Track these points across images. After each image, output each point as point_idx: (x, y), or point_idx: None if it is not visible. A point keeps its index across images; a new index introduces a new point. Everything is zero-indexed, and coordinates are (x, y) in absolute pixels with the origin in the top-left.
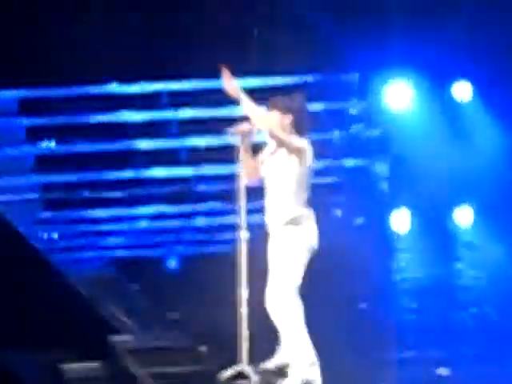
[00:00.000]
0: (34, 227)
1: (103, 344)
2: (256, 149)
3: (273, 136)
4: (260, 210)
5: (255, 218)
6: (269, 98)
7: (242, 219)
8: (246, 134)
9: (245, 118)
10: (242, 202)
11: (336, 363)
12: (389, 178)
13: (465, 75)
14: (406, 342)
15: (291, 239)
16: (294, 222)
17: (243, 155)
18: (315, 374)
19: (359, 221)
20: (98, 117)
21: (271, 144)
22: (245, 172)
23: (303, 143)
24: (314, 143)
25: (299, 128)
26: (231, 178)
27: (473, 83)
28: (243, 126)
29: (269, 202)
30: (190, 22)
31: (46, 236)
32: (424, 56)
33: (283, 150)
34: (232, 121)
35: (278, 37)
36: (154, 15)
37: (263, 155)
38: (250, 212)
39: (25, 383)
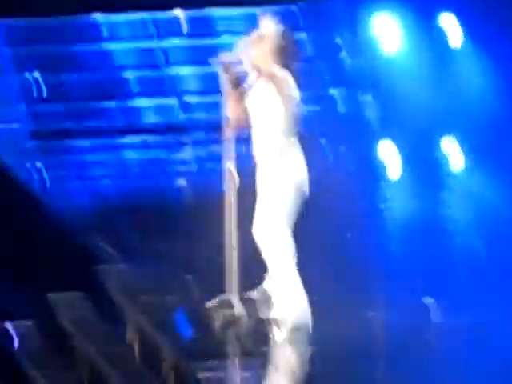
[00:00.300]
0: (19, 156)
1: (91, 274)
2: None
3: (256, 66)
4: (247, 140)
5: (242, 148)
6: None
7: (229, 153)
8: (228, 66)
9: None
10: (228, 138)
11: (325, 291)
12: (374, 107)
13: (451, 7)
14: (392, 271)
15: (278, 170)
16: (280, 153)
17: (229, 91)
18: (301, 306)
19: (343, 150)
20: (83, 47)
21: (253, 79)
22: (231, 113)
23: (285, 73)
24: (300, 73)
25: (285, 59)
26: (218, 107)
27: (459, 16)
28: (226, 55)
29: (254, 133)
30: None
31: (28, 165)
32: None
33: (265, 83)
34: (218, 50)
35: None
36: None
37: (248, 91)
38: (237, 142)
39: (17, 312)
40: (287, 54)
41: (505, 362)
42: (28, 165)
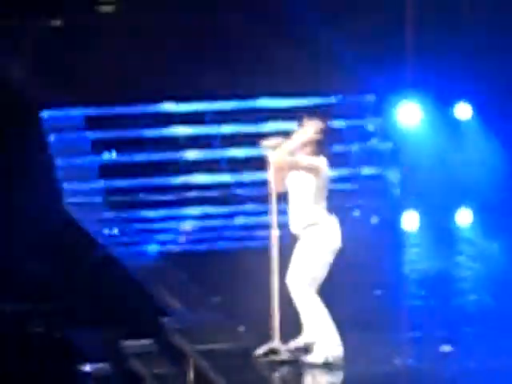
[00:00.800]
0: (99, 225)
1: (155, 324)
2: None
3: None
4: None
5: (285, 218)
6: (304, 117)
7: (273, 219)
8: (274, 148)
9: (275, 134)
10: (274, 206)
11: (355, 342)
12: (400, 183)
13: (465, 97)
14: (415, 323)
15: (309, 240)
16: (312, 225)
17: (273, 166)
18: (336, 351)
19: (374, 220)
20: (152, 131)
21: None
22: (273, 182)
23: (319, 161)
24: (336, 154)
25: (323, 144)
26: (265, 183)
27: (472, 104)
28: (273, 141)
29: (291, 209)
30: (226, 50)
31: (107, 231)
32: (431, 80)
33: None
34: (264, 136)
35: (309, 63)
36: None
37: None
38: (280, 213)
39: (88, 356)
40: (324, 143)
41: None
42: (106, 231)
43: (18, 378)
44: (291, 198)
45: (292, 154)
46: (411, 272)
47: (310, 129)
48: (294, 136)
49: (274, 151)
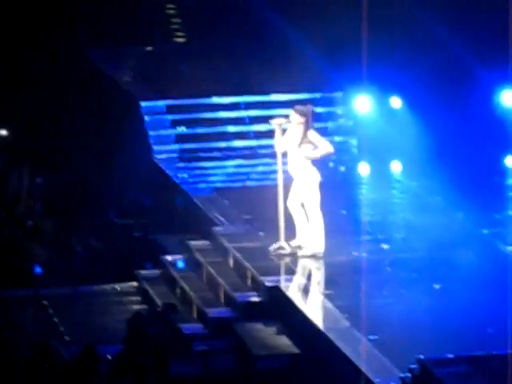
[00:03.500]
0: (175, 171)
1: (210, 231)
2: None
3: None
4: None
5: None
6: (293, 107)
7: (279, 167)
8: (279, 124)
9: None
10: (279, 159)
11: (332, 242)
12: (357, 146)
13: (399, 90)
14: (366, 230)
15: (302, 178)
16: (307, 166)
17: (277, 135)
18: (320, 248)
19: (342, 169)
20: (207, 114)
21: (292, 134)
22: (277, 145)
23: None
24: (318, 128)
25: (309, 122)
26: (273, 146)
27: (404, 95)
28: (278, 120)
29: (290, 160)
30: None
31: (180, 175)
32: (376, 77)
33: (298, 139)
34: (273, 117)
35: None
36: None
37: (287, 136)
38: (284, 163)
39: (169, 251)
40: (311, 120)
41: None
42: (179, 175)
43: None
44: (291, 155)
45: (305, 132)
46: (364, 199)
47: (303, 115)
48: (293, 119)
49: (282, 126)
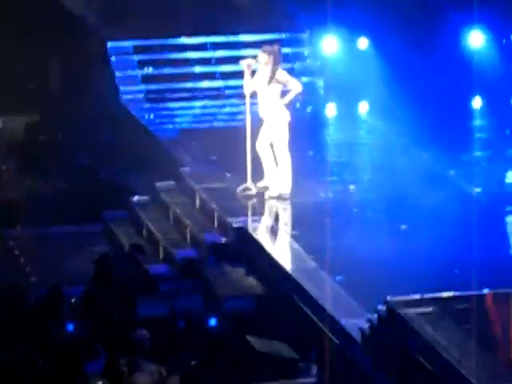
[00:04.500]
0: (141, 112)
1: (177, 171)
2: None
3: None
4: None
5: (256, 108)
6: (261, 49)
7: (247, 108)
8: (248, 65)
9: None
10: (247, 100)
11: (299, 183)
12: (324, 87)
13: (365, 31)
14: (333, 171)
15: (277, 115)
16: (278, 105)
17: (246, 75)
18: (286, 189)
19: (309, 109)
20: (174, 54)
21: (261, 74)
22: (246, 86)
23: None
24: (284, 69)
25: (277, 62)
26: (241, 86)
27: (370, 37)
28: (247, 60)
29: (260, 102)
30: None
31: (146, 116)
32: (343, 18)
33: (267, 79)
34: (243, 57)
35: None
36: None
37: (256, 77)
38: (254, 104)
39: (136, 192)
40: (279, 61)
41: None
42: (146, 116)
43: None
44: (260, 96)
45: (273, 72)
46: (330, 140)
47: (271, 55)
48: (262, 59)
49: (250, 67)
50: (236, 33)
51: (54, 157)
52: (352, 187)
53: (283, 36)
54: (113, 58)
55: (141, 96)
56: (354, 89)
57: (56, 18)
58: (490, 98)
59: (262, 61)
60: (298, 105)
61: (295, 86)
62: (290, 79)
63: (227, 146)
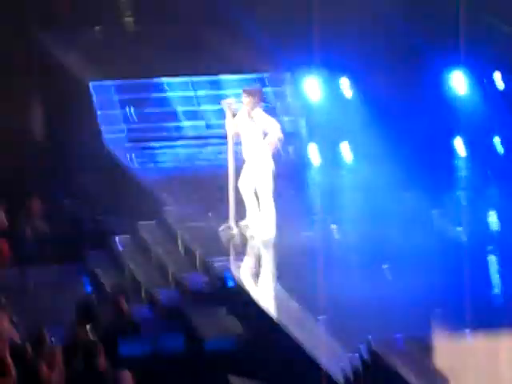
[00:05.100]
0: (123, 151)
1: (159, 211)
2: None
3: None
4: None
5: (239, 148)
6: (243, 89)
7: (230, 148)
8: (229, 105)
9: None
10: (230, 140)
11: (280, 222)
12: (306, 126)
13: (348, 73)
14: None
15: (261, 158)
16: (261, 149)
17: (228, 115)
18: (268, 228)
19: (290, 149)
20: (155, 94)
21: (244, 117)
22: (228, 126)
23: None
24: (265, 110)
25: (257, 102)
26: (223, 126)
27: (352, 78)
28: (228, 100)
29: (243, 143)
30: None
31: (128, 155)
32: (326, 60)
33: (252, 123)
34: (224, 97)
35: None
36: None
37: (238, 117)
38: (236, 144)
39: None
40: (260, 101)
41: None
42: (127, 155)
43: None
44: (243, 137)
45: (249, 113)
46: (312, 180)
47: (252, 96)
48: (243, 100)
49: (232, 107)
50: (217, 72)
51: (35, 197)
52: (334, 227)
53: (265, 75)
54: (94, 98)
55: (122, 135)
56: (336, 129)
57: (36, 57)
58: (472, 137)
59: (244, 101)
60: (282, 154)
61: (273, 129)
62: (267, 120)
63: (209, 186)
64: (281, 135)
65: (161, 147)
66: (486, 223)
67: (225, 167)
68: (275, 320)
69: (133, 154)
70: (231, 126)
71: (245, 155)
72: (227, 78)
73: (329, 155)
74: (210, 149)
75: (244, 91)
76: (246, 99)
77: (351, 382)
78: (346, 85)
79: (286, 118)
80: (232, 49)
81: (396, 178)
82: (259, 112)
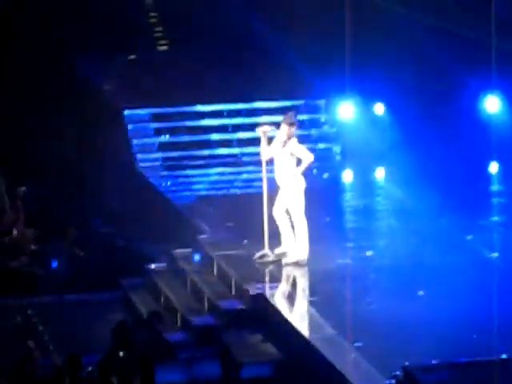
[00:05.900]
0: (158, 179)
1: (194, 238)
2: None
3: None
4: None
5: (273, 174)
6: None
7: (264, 175)
8: (265, 132)
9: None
10: (264, 167)
11: (316, 249)
12: (341, 153)
13: (381, 98)
14: (350, 237)
15: (294, 183)
16: (294, 174)
17: (263, 142)
18: (303, 255)
19: (325, 176)
20: (191, 122)
21: (278, 139)
22: (262, 152)
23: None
24: (301, 136)
25: (294, 133)
26: (258, 153)
27: (387, 103)
28: (263, 127)
29: (276, 168)
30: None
31: (163, 183)
32: (360, 86)
33: (284, 148)
34: (259, 124)
35: (279, 77)
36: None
37: (273, 144)
38: (270, 171)
39: (154, 260)
40: (295, 128)
41: None
42: (163, 183)
43: None
44: (276, 163)
45: (285, 143)
46: (347, 206)
47: (289, 126)
48: (281, 128)
49: (267, 134)
50: (252, 100)
51: (71, 224)
52: (369, 253)
53: (300, 103)
54: (129, 126)
55: (158, 163)
56: (371, 154)
57: (73, 87)
58: (507, 162)
59: (281, 130)
60: (314, 171)
61: (306, 157)
62: (300, 150)
63: (244, 213)
64: (311, 160)
65: (196, 175)
66: None
67: (259, 194)
68: (312, 346)
69: (169, 182)
70: (266, 153)
71: (278, 181)
72: (262, 105)
73: (364, 180)
74: (244, 176)
75: (284, 122)
76: (285, 130)
77: None
78: (380, 110)
79: (320, 145)
80: (267, 76)
81: (431, 202)
82: (294, 142)
